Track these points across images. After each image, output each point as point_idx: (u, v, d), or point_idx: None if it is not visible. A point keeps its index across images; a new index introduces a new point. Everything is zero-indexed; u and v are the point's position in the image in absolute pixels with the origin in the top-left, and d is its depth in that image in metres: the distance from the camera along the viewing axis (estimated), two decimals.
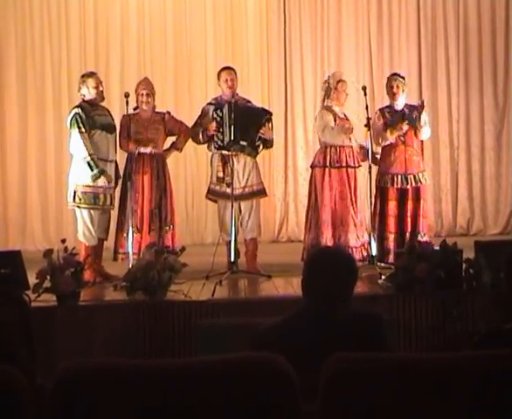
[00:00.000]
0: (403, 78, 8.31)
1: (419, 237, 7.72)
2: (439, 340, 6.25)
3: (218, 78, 8.09)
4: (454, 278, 6.45)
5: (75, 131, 7.61)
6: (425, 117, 8.12)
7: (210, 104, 8.06)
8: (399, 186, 8.04)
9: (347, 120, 8.12)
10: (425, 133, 8.22)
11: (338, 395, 2.28)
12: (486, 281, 6.34)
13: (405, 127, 7.99)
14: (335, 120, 8.02)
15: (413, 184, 8.07)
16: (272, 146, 8.25)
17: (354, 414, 2.26)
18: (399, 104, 8.13)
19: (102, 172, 7.59)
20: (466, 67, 11.63)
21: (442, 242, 6.73)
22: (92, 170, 7.56)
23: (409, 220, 8.03)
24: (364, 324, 3.28)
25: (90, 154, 7.55)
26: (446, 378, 2.27)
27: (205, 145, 8.15)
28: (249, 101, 8.20)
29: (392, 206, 8.05)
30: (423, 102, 8.20)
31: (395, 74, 8.45)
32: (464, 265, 6.53)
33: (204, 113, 8.02)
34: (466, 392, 2.26)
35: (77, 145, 7.61)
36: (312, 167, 8.24)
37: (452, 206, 11.64)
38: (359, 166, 8.02)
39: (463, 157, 11.67)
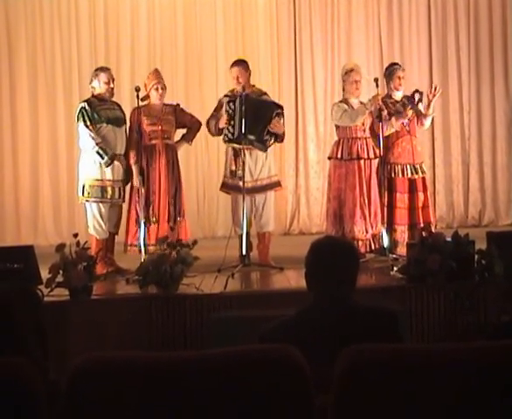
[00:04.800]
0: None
1: (432, 229, 7.69)
2: (451, 331, 6.24)
3: (230, 73, 8.10)
4: (466, 269, 6.44)
5: (81, 125, 7.66)
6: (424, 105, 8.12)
7: (226, 96, 8.06)
8: (409, 176, 8.01)
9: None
10: (428, 122, 8.22)
11: (353, 387, 2.28)
12: (498, 272, 6.34)
13: (410, 112, 7.97)
14: None
15: (420, 175, 8.06)
16: (282, 140, 8.20)
17: (369, 406, 2.27)
18: (400, 94, 8.12)
19: (114, 157, 7.63)
20: (476, 57, 11.60)
21: (454, 233, 6.72)
22: (102, 158, 7.60)
23: (420, 211, 8.00)
24: (379, 321, 3.28)
25: (97, 143, 7.59)
26: (459, 369, 2.27)
27: (217, 138, 8.16)
28: (265, 93, 8.19)
29: (401, 197, 8.02)
30: (421, 93, 8.14)
31: (397, 64, 8.42)
32: (476, 256, 6.51)
33: (219, 105, 8.03)
34: (480, 383, 2.26)
35: (84, 137, 7.66)
36: (329, 158, 8.26)
37: (463, 197, 11.62)
38: (376, 157, 7.98)
39: (474, 148, 11.64)
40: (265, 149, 7.90)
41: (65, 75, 11.30)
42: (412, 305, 6.32)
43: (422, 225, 7.74)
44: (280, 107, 8.01)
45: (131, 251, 7.76)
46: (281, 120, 7.87)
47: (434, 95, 8.02)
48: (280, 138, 7.99)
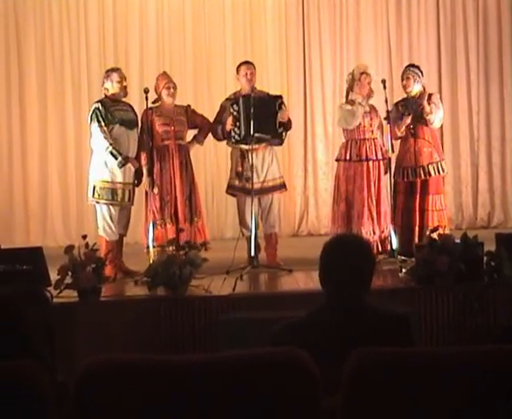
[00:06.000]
0: (417, 67, 8.25)
1: (427, 232, 7.65)
2: (460, 333, 6.22)
3: (237, 73, 8.08)
4: (475, 270, 6.41)
5: (95, 125, 7.65)
6: (430, 104, 8.04)
7: (228, 99, 8.05)
8: (408, 179, 7.99)
9: (374, 111, 8.07)
10: (435, 120, 8.09)
11: (361, 390, 2.28)
12: (507, 274, 6.31)
13: (408, 119, 7.94)
14: None
15: (422, 177, 8.00)
16: (291, 127, 8.20)
17: (377, 408, 2.26)
18: (413, 95, 8.08)
19: (127, 159, 7.62)
20: (485, 58, 11.58)
21: (463, 234, 6.70)
22: (116, 159, 7.59)
23: (417, 214, 7.98)
24: (391, 323, 3.22)
25: (111, 144, 7.58)
26: (465, 373, 2.27)
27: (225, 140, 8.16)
28: (268, 94, 8.20)
29: (401, 200, 8.02)
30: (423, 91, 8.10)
31: (408, 65, 8.40)
32: (485, 258, 6.49)
33: (222, 109, 8.02)
34: (485, 387, 2.25)
35: (97, 139, 7.65)
36: (336, 160, 8.24)
37: (472, 198, 11.60)
38: (384, 159, 7.97)
39: (483, 149, 11.62)
40: (281, 143, 7.97)
41: (74, 76, 11.33)
42: (421, 307, 6.30)
43: (418, 228, 7.79)
44: (280, 97, 8.02)
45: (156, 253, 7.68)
46: (284, 108, 7.89)
47: (428, 103, 7.96)
48: (289, 126, 8.01)
